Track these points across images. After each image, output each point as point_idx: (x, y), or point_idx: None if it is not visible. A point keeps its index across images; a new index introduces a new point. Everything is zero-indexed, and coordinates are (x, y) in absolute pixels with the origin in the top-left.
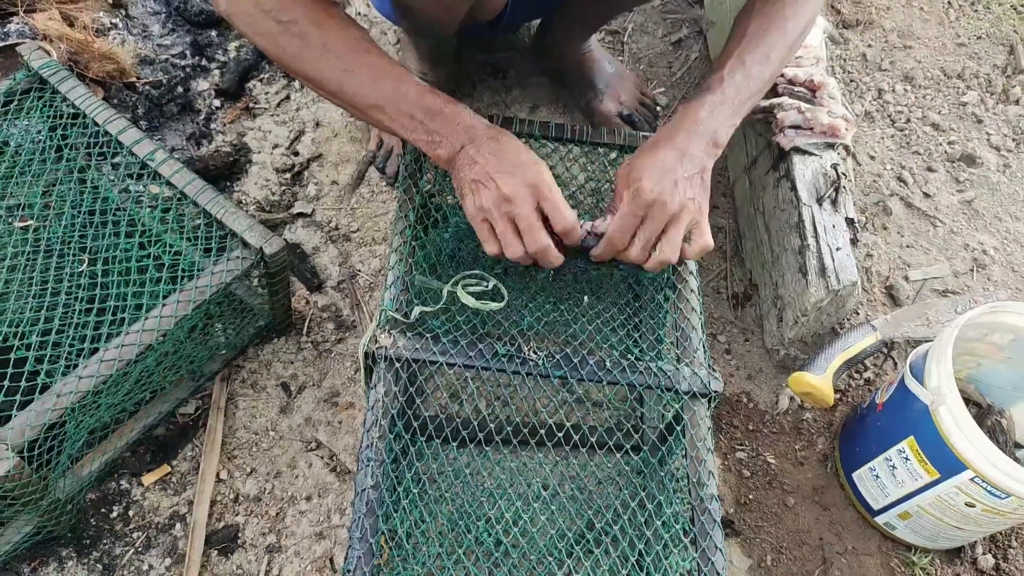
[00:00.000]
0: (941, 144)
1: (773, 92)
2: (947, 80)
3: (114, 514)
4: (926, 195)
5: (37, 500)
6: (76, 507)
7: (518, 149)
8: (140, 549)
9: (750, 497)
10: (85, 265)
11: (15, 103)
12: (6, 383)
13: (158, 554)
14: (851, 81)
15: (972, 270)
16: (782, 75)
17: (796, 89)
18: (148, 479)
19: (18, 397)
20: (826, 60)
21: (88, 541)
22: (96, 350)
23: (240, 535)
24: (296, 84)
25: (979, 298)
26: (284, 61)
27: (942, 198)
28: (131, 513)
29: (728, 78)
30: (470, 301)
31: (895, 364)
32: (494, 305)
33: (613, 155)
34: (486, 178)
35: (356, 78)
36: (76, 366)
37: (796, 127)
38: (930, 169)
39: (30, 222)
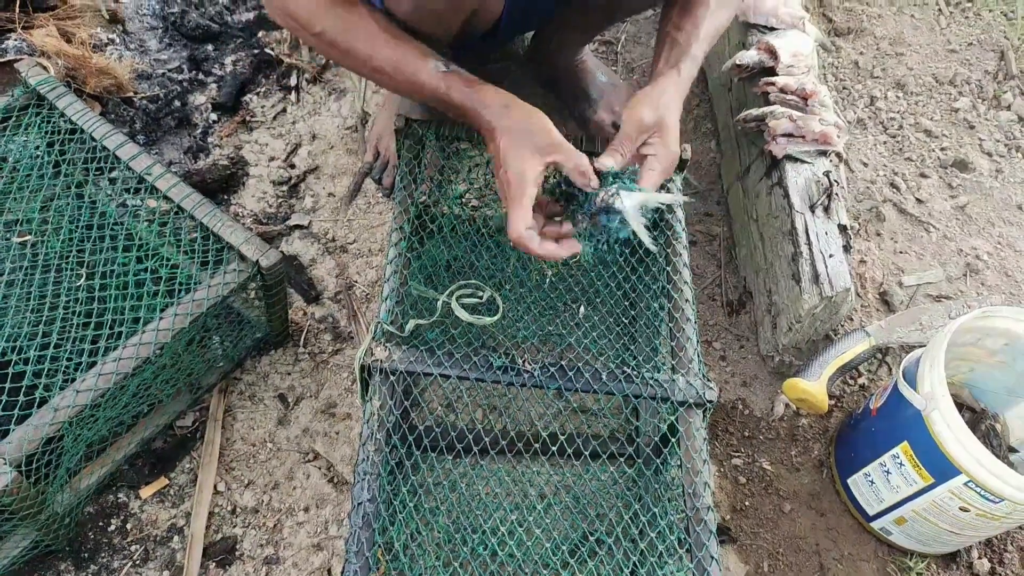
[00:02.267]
0: (934, 150)
1: (765, 101)
2: (939, 86)
3: (112, 527)
4: (919, 201)
5: (35, 514)
6: (74, 520)
7: (521, 127)
8: (138, 562)
9: (746, 503)
10: (83, 279)
11: (13, 119)
12: (4, 397)
13: (156, 567)
14: (843, 89)
15: (965, 275)
16: (773, 84)
17: (788, 97)
18: (146, 492)
19: (16, 411)
20: (818, 68)
21: (86, 554)
22: (94, 364)
23: (238, 547)
24: (292, 98)
25: (972, 303)
26: (334, 60)
27: (935, 204)
28: (129, 526)
29: (685, 68)
30: (464, 315)
31: (889, 369)
32: (488, 319)
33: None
34: (497, 165)
35: (384, 75)
36: (74, 380)
37: (788, 135)
38: (923, 175)
39: (28, 237)
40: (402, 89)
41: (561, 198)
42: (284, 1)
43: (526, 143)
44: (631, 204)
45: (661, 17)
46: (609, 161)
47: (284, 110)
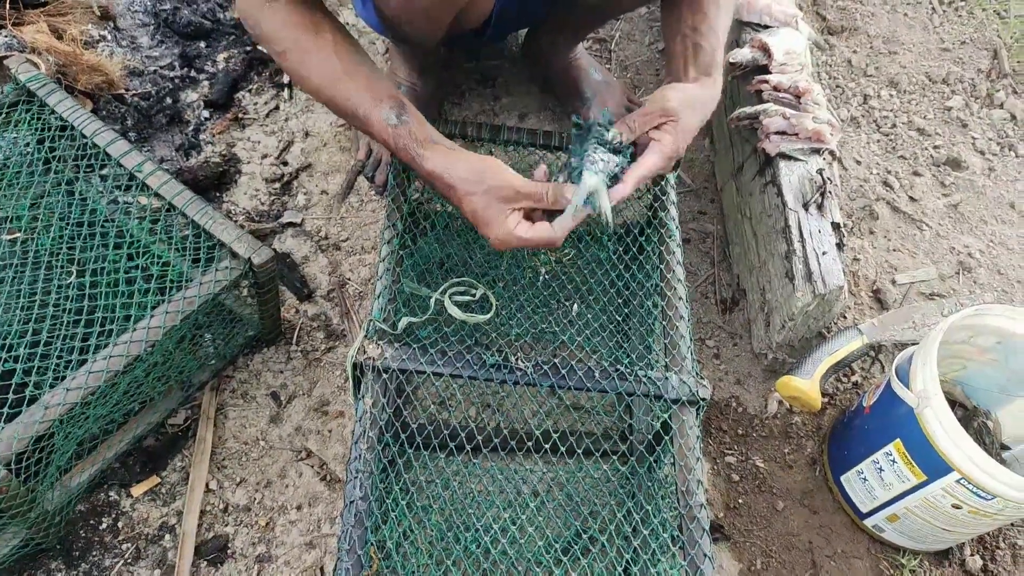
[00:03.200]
0: (927, 148)
1: (759, 98)
2: (932, 85)
3: (103, 526)
4: (912, 199)
5: (25, 512)
6: (65, 519)
7: (476, 181)
8: (129, 560)
9: (739, 501)
10: (73, 277)
11: (3, 116)
12: None
13: (147, 565)
14: (837, 87)
15: (958, 273)
16: (767, 81)
17: (781, 95)
18: (137, 490)
19: (6, 410)
20: (811, 66)
21: (77, 553)
22: (85, 362)
23: (230, 545)
24: (285, 95)
25: (965, 301)
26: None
27: (928, 202)
28: (120, 524)
29: (710, 77)
30: (457, 313)
31: (882, 367)
32: (481, 317)
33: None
34: (479, 229)
35: (338, 111)
36: (65, 378)
37: (781, 133)
38: (916, 173)
39: (19, 234)
40: (357, 126)
41: None
42: (255, 17)
43: (493, 201)
44: (597, 171)
45: (666, 15)
46: (569, 192)
47: (277, 107)
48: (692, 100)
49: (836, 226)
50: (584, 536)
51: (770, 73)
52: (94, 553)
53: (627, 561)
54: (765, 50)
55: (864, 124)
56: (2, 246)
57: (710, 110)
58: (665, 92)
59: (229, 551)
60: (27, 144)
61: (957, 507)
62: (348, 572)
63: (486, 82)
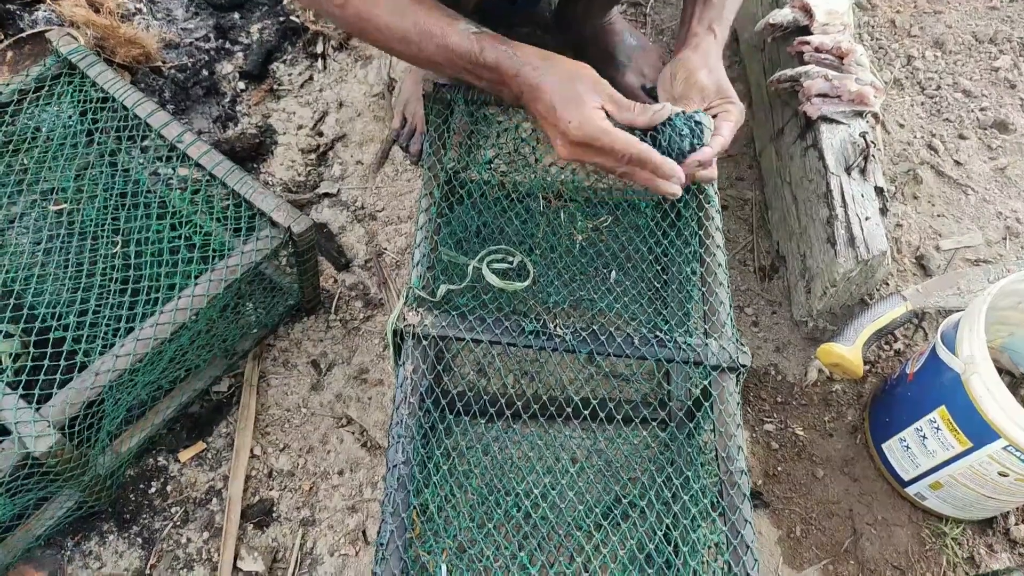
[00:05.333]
0: (973, 111)
1: (800, 60)
2: (978, 45)
3: (153, 489)
4: (957, 163)
5: (78, 476)
6: (116, 483)
7: (567, 79)
8: (178, 523)
9: (779, 469)
10: (118, 247)
11: (46, 89)
12: (46, 362)
13: (196, 528)
14: (879, 48)
15: (1005, 238)
16: (808, 43)
17: (823, 57)
18: (184, 455)
19: (58, 376)
20: (853, 27)
21: (128, 516)
22: (131, 329)
23: (275, 509)
24: (319, 65)
25: (1012, 266)
26: (356, 35)
27: (974, 166)
28: (169, 488)
29: (717, 30)
30: (494, 280)
31: (925, 334)
32: (518, 285)
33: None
34: (554, 127)
35: (411, 45)
36: (112, 345)
37: (823, 96)
38: (961, 136)
39: (64, 205)
40: (431, 58)
41: None
42: None
43: (578, 91)
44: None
45: None
46: (660, 111)
47: (311, 78)
48: (713, 66)
49: (879, 191)
50: (623, 501)
51: (811, 34)
52: (144, 516)
53: (667, 526)
54: (806, 10)
55: (908, 86)
56: (49, 217)
57: (721, 60)
58: (693, 81)
59: (274, 514)
60: (70, 116)
61: (1004, 475)
62: (392, 534)
63: None
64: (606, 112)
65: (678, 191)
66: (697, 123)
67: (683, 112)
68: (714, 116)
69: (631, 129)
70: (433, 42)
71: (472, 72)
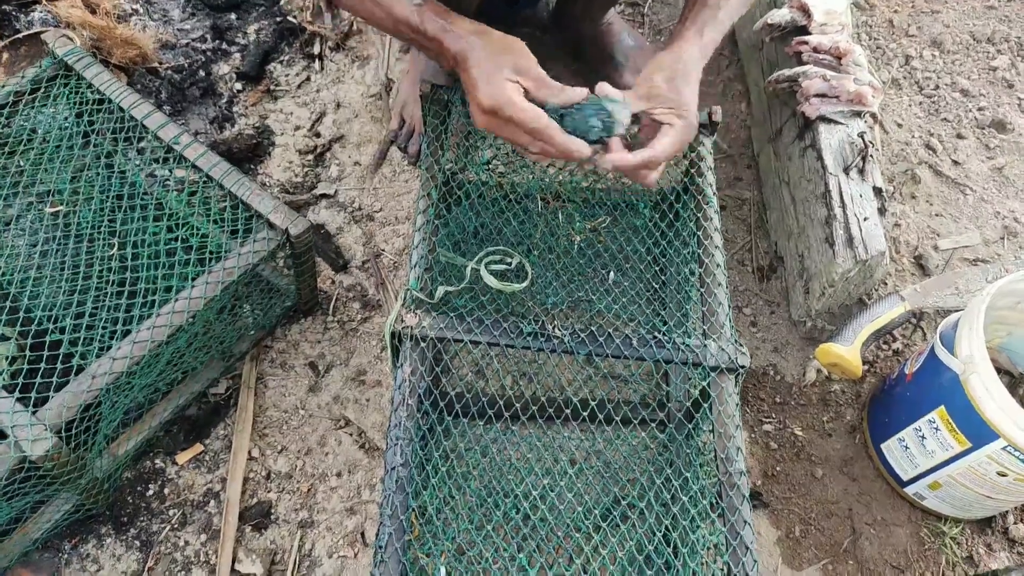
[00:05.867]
0: (971, 110)
1: (798, 60)
2: (976, 44)
3: (150, 492)
4: (955, 163)
5: (76, 479)
6: (113, 485)
7: (493, 52)
8: (176, 526)
9: (777, 469)
10: (115, 249)
11: (42, 90)
12: (42, 365)
13: (194, 530)
14: (877, 48)
15: (1003, 238)
16: (806, 43)
17: (821, 57)
18: (182, 458)
19: (54, 379)
20: (851, 27)
21: (126, 518)
22: (128, 332)
23: (273, 511)
24: (316, 66)
25: (1010, 266)
26: (344, 8)
27: (972, 165)
28: (166, 491)
29: (708, 33)
30: (492, 282)
31: (924, 334)
32: (517, 286)
33: (635, 128)
34: (472, 96)
35: (368, 13)
36: (109, 348)
37: (822, 96)
38: (959, 136)
39: (60, 207)
40: (384, 26)
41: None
42: None
43: (496, 65)
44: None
45: None
46: (575, 93)
47: (308, 78)
48: (679, 72)
49: (878, 191)
50: (623, 503)
51: (809, 34)
52: (142, 518)
53: (666, 527)
54: (804, 10)
55: (906, 86)
56: (45, 219)
57: (700, 64)
58: (645, 80)
59: (272, 517)
60: (66, 118)
61: (1003, 474)
62: (391, 536)
63: None
64: (526, 89)
65: (605, 166)
66: (608, 113)
67: (601, 99)
68: (658, 124)
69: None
70: (383, 10)
71: (417, 41)
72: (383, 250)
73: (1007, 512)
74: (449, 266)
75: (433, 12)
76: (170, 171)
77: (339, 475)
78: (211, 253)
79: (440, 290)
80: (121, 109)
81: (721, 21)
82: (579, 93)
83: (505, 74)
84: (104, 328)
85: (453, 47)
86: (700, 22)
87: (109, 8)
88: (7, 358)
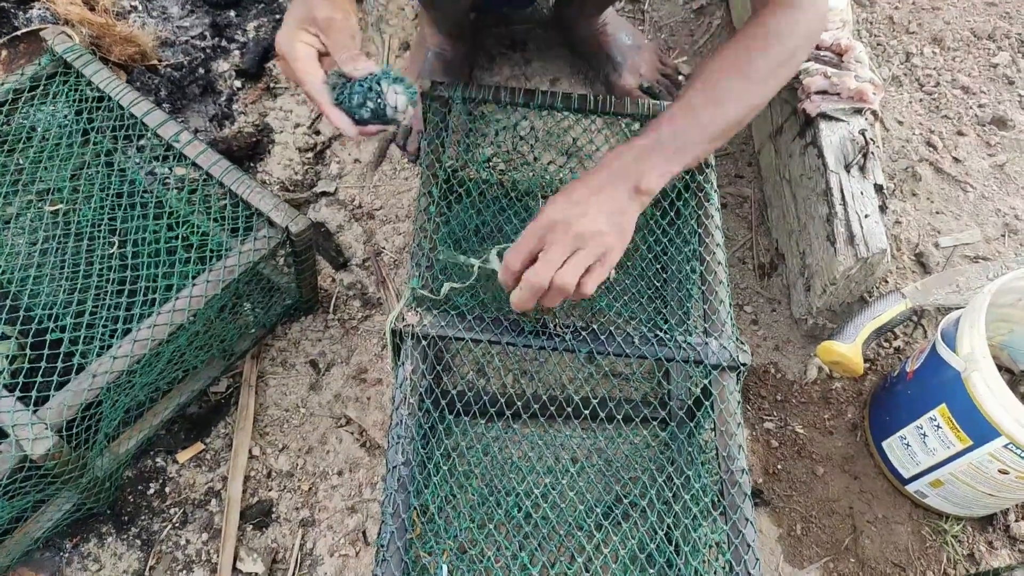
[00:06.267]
0: (971, 107)
1: None
2: (977, 41)
3: (151, 491)
4: (956, 160)
5: (77, 478)
6: (114, 484)
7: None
8: (177, 524)
9: (779, 467)
10: (115, 247)
11: (41, 88)
12: (43, 364)
13: (195, 529)
14: (878, 44)
15: (1003, 235)
16: None
17: (822, 54)
18: (183, 456)
19: (55, 378)
20: (852, 23)
21: (127, 517)
22: (129, 331)
23: (274, 510)
24: None
25: (1011, 263)
26: None
27: (973, 162)
28: (167, 490)
29: (668, 123)
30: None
31: (925, 332)
32: None
33: (636, 125)
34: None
35: None
36: (110, 347)
37: (823, 93)
38: (960, 133)
39: (60, 206)
40: None
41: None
42: None
43: (304, 12)
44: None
45: None
46: (363, 64)
47: None
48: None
49: (879, 188)
50: (624, 501)
51: None
52: (143, 517)
53: (668, 526)
54: None
55: (906, 83)
56: (45, 218)
57: (614, 169)
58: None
59: (273, 515)
60: (65, 116)
61: (1004, 472)
62: (393, 535)
63: (516, 47)
64: (324, 45)
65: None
66: (378, 95)
67: (382, 79)
68: None
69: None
70: None
71: None
72: (383, 248)
73: (1008, 510)
74: (450, 264)
75: None
76: (170, 169)
77: (340, 473)
78: (211, 251)
79: (445, 286)
80: (121, 107)
81: (681, 131)
82: (361, 69)
83: (303, 23)
84: (104, 327)
85: None
86: (656, 122)
87: (108, 5)
88: (7, 357)
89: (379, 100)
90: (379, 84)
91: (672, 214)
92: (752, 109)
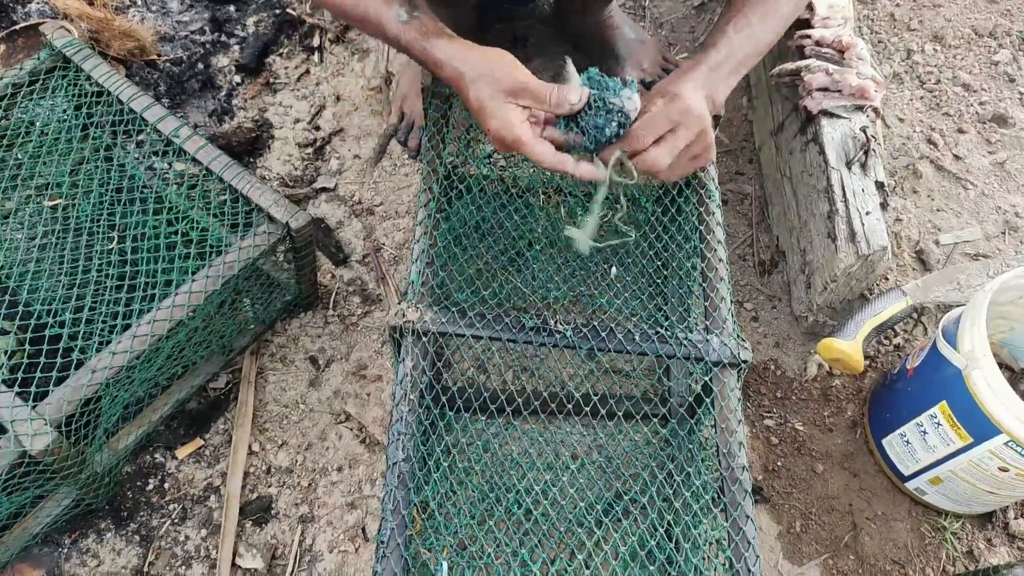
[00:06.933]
0: (972, 105)
1: (800, 54)
2: (978, 39)
3: (150, 487)
4: (957, 157)
5: (76, 473)
6: (113, 480)
7: (486, 76)
8: (176, 520)
9: (778, 464)
10: (115, 243)
11: (40, 82)
12: (42, 359)
13: (194, 525)
14: (879, 42)
15: (1004, 233)
16: (809, 36)
17: (824, 51)
18: (182, 452)
19: (54, 373)
20: (853, 20)
21: (126, 513)
22: (128, 326)
23: (273, 506)
24: (315, 58)
25: (1011, 261)
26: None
27: (973, 160)
28: (167, 485)
29: (726, 41)
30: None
31: (925, 329)
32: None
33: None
34: (482, 124)
35: (360, 22)
36: (109, 342)
37: (824, 90)
38: (961, 130)
39: (59, 201)
40: (377, 35)
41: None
42: None
43: (499, 92)
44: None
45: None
46: (575, 96)
47: (307, 71)
48: (684, 72)
49: (880, 185)
50: (624, 498)
51: (812, 28)
52: (142, 513)
53: (668, 522)
54: (807, 4)
55: (907, 80)
56: (44, 213)
57: (706, 76)
58: (667, 84)
59: (273, 511)
60: (64, 110)
61: (1004, 470)
62: (393, 532)
63: (517, 43)
64: (523, 105)
65: (600, 177)
66: (618, 109)
67: (600, 96)
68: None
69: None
70: (372, 23)
71: (409, 56)
72: (383, 244)
73: (1008, 507)
74: (451, 261)
75: (417, 32)
76: (169, 164)
77: (340, 470)
78: (211, 247)
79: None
80: (120, 101)
81: (718, 68)
82: (577, 95)
83: (505, 101)
84: (104, 322)
85: (439, 72)
86: (702, 63)
87: (107, 0)
88: (6, 352)
89: (622, 115)
90: (607, 102)
91: (673, 211)
92: (786, 24)
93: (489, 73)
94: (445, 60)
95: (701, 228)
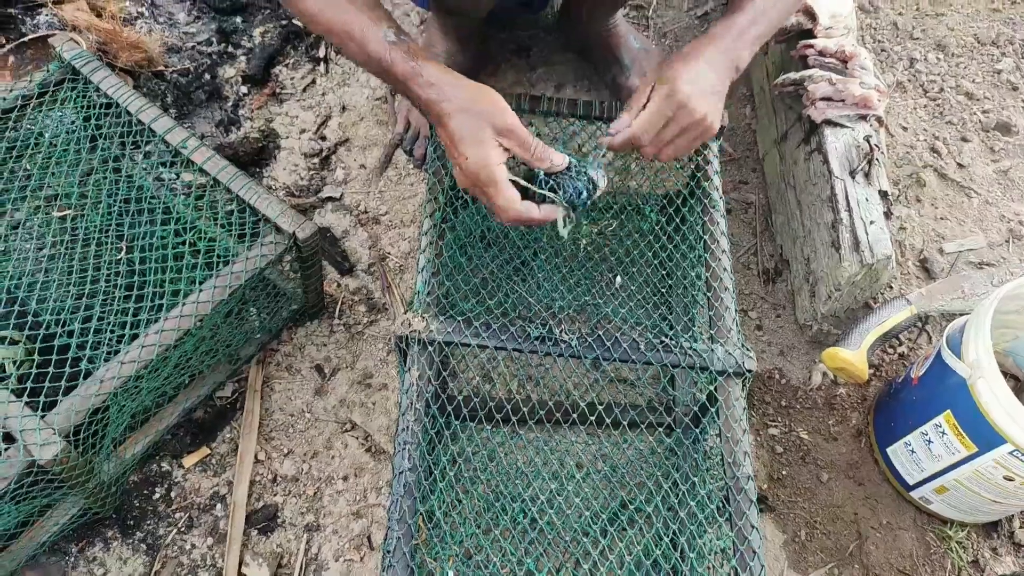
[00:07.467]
0: (975, 113)
1: (803, 64)
2: (981, 47)
3: (157, 495)
4: (960, 166)
5: (83, 483)
6: (120, 489)
7: (470, 111)
8: (183, 529)
9: (783, 473)
10: (123, 253)
11: (49, 94)
12: (51, 369)
13: (200, 534)
14: (882, 51)
15: (1008, 241)
16: (812, 46)
17: (827, 60)
18: (188, 461)
19: (63, 383)
20: (856, 30)
21: (132, 522)
22: (136, 336)
23: (279, 514)
24: (321, 69)
25: (1015, 269)
26: (310, 28)
27: (977, 168)
28: (173, 494)
29: (751, 3)
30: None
31: (930, 338)
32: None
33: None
34: (453, 156)
35: (341, 42)
36: (117, 352)
37: (827, 99)
38: (964, 139)
39: (68, 211)
40: (361, 61)
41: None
42: None
43: (484, 124)
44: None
45: None
46: (559, 158)
47: (313, 81)
48: (687, 55)
49: (884, 194)
50: (630, 507)
51: (815, 37)
52: (148, 522)
53: (673, 532)
54: (810, 14)
55: (910, 89)
56: (53, 223)
57: (716, 55)
58: (663, 70)
59: (279, 520)
60: (73, 122)
61: (1009, 479)
62: (399, 541)
63: (521, 52)
64: (506, 147)
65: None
66: (591, 179)
67: (579, 165)
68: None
69: None
70: (355, 44)
71: (387, 80)
72: (389, 253)
73: (1013, 516)
74: (456, 269)
75: (405, 52)
76: (177, 175)
77: (345, 479)
78: (218, 257)
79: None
80: (128, 113)
81: (743, 33)
82: (561, 157)
83: (489, 140)
84: (112, 332)
85: (423, 94)
86: (721, 27)
87: (115, 11)
88: (16, 362)
89: (592, 186)
90: (586, 172)
91: (678, 220)
92: None
93: (479, 108)
94: (434, 83)
95: (705, 237)
